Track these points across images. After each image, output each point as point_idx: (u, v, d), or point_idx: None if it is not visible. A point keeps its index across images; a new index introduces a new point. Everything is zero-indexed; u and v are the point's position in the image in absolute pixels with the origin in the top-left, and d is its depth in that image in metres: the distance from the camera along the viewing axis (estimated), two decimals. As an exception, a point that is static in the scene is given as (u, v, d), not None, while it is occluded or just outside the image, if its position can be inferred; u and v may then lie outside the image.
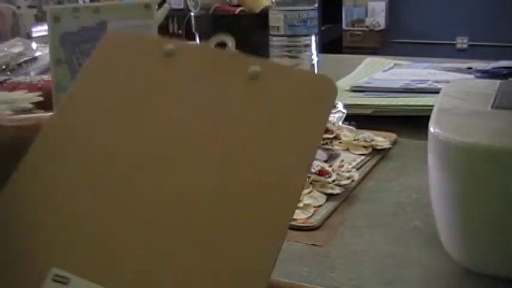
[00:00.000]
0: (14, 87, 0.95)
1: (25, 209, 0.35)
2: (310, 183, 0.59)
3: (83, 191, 0.34)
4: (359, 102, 0.86)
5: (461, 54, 3.81)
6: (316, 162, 0.63)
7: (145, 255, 0.32)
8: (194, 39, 1.11)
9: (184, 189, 0.34)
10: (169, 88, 0.37)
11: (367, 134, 0.72)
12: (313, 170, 0.60)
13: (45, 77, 1.00)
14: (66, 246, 0.33)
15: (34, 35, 2.14)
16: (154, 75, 0.38)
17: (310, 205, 0.55)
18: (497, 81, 0.57)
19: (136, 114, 0.37)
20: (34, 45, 1.26)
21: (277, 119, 0.35)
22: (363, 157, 0.68)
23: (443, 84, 0.76)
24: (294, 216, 0.53)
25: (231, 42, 0.39)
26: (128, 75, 0.39)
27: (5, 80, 1.01)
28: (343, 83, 1.01)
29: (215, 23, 1.03)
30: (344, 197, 0.58)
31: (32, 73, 1.14)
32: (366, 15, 4.24)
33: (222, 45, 0.40)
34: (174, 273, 0.31)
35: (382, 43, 4.13)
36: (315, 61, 0.97)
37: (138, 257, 0.32)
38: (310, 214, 0.54)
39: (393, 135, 0.76)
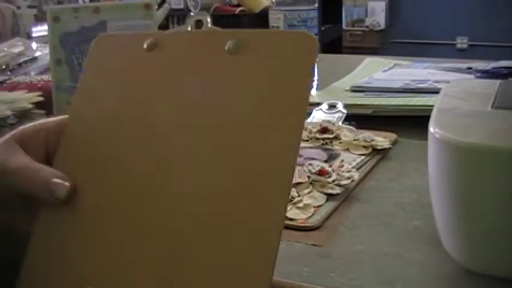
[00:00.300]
0: (14, 87, 0.95)
1: (60, 233, 0.36)
2: (310, 183, 0.59)
3: (103, 210, 0.36)
4: (359, 102, 0.86)
5: (461, 54, 3.81)
6: (316, 162, 0.63)
7: (159, 265, 0.33)
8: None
9: (183, 188, 0.34)
10: (157, 82, 0.37)
11: (367, 134, 0.72)
12: (313, 170, 0.60)
13: (45, 77, 1.00)
14: (97, 266, 0.35)
15: (34, 35, 2.14)
16: (141, 72, 0.38)
17: (310, 205, 0.55)
18: (497, 81, 0.57)
19: (132, 114, 0.37)
20: (34, 45, 1.26)
21: (262, 90, 0.34)
22: (363, 157, 0.68)
23: (443, 84, 0.76)
24: (294, 216, 0.54)
25: (206, 19, 0.39)
26: (120, 76, 0.39)
27: (5, 80, 1.01)
28: (343, 83, 1.01)
29: (215, 23, 1.03)
30: (344, 197, 0.58)
31: (32, 73, 1.14)
32: (366, 15, 4.24)
33: (199, 22, 0.40)
34: (187, 277, 0.32)
35: (382, 43, 4.13)
36: (315, 61, 0.97)
37: (154, 268, 0.33)
38: (310, 214, 0.54)
39: (393, 135, 0.76)
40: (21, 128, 0.38)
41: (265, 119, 0.34)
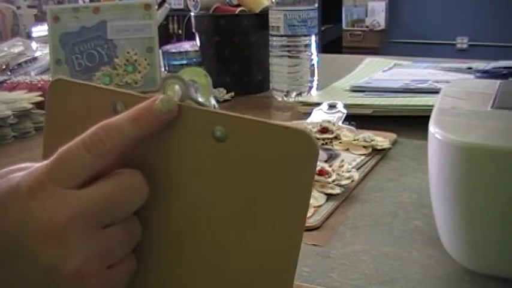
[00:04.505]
0: (14, 87, 0.95)
1: None
2: (310, 183, 0.59)
3: None
4: (359, 102, 0.86)
5: (461, 54, 3.81)
6: (316, 162, 0.62)
7: None
8: (194, 39, 1.11)
9: None
10: (130, 156, 0.34)
11: (367, 134, 0.72)
12: (313, 170, 0.60)
13: (45, 77, 1.01)
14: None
15: (34, 35, 2.14)
16: None
17: (310, 205, 0.55)
18: (497, 81, 0.57)
19: None
20: (34, 45, 1.26)
21: (255, 192, 0.32)
22: (363, 157, 0.68)
23: (443, 84, 0.76)
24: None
25: (186, 89, 0.34)
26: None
27: (5, 80, 1.01)
28: (343, 83, 1.01)
29: (215, 23, 1.03)
30: (344, 197, 0.58)
31: (32, 73, 1.14)
32: (366, 15, 4.24)
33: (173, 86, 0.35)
34: None
35: (382, 43, 4.13)
36: (315, 61, 0.97)
37: None
38: (310, 214, 0.54)
39: (393, 135, 0.76)
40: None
41: (261, 215, 0.32)
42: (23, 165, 0.34)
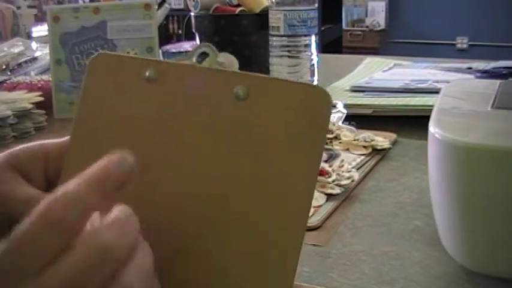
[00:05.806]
0: (14, 87, 0.95)
1: None
2: (310, 183, 0.59)
3: None
4: (359, 102, 0.86)
5: (461, 54, 3.81)
6: (316, 162, 0.63)
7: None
8: (194, 39, 1.11)
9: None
10: (158, 122, 0.35)
11: (367, 134, 0.72)
12: (313, 170, 0.60)
13: (45, 77, 1.01)
14: None
15: (34, 35, 2.14)
16: (140, 108, 0.36)
17: (310, 205, 0.55)
18: (497, 81, 0.57)
19: (133, 145, 0.33)
20: (34, 45, 1.26)
21: (272, 144, 0.33)
22: (362, 157, 0.68)
23: (443, 84, 0.76)
24: (294, 216, 0.54)
25: (215, 54, 0.36)
26: (120, 107, 0.36)
27: (5, 80, 1.01)
28: (343, 83, 1.01)
29: (215, 23, 1.03)
30: (344, 197, 0.58)
31: (32, 73, 1.14)
32: (366, 15, 4.24)
33: (205, 54, 0.37)
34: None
35: (382, 43, 4.13)
36: (315, 61, 0.97)
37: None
38: (310, 214, 0.54)
39: (393, 135, 0.76)
40: (16, 150, 0.34)
41: (277, 164, 0.33)
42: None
